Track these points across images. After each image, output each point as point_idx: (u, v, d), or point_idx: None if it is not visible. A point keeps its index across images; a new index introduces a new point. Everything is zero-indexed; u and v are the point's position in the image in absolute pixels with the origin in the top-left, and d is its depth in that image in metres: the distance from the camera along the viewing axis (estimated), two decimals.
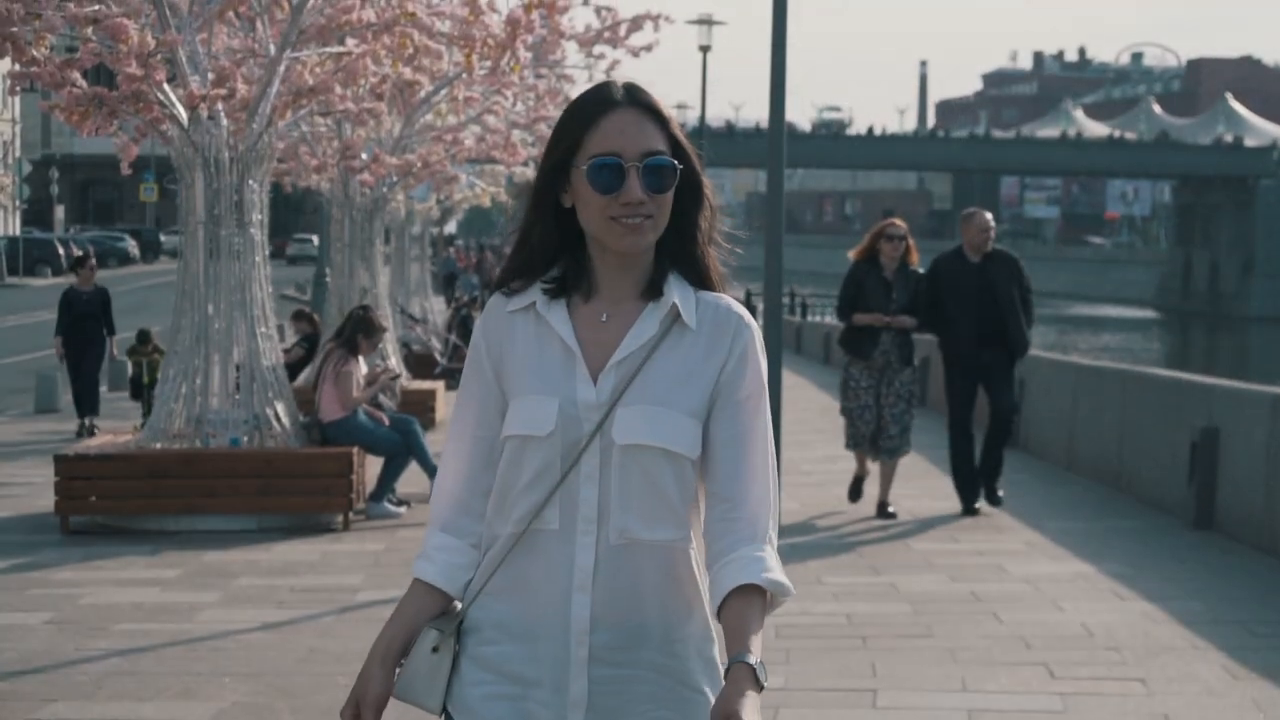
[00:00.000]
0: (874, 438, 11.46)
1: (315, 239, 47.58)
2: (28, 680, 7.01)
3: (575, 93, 9.64)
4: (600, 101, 2.70)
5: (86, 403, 16.34)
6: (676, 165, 2.69)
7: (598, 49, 17.45)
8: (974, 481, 11.60)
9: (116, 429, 13.48)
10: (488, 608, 2.74)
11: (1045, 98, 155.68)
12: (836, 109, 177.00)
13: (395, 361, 17.68)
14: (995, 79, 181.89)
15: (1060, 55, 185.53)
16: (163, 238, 73.88)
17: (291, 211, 75.30)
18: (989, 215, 11.77)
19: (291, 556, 10.03)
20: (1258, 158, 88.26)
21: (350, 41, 11.51)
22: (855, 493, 11.72)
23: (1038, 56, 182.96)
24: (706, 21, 39.70)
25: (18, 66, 10.57)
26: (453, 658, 2.74)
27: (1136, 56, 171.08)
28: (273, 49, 11.29)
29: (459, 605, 2.78)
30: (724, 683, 2.54)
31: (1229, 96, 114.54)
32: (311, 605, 8.54)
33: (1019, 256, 11.96)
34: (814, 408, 19.81)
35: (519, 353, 2.73)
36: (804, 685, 6.87)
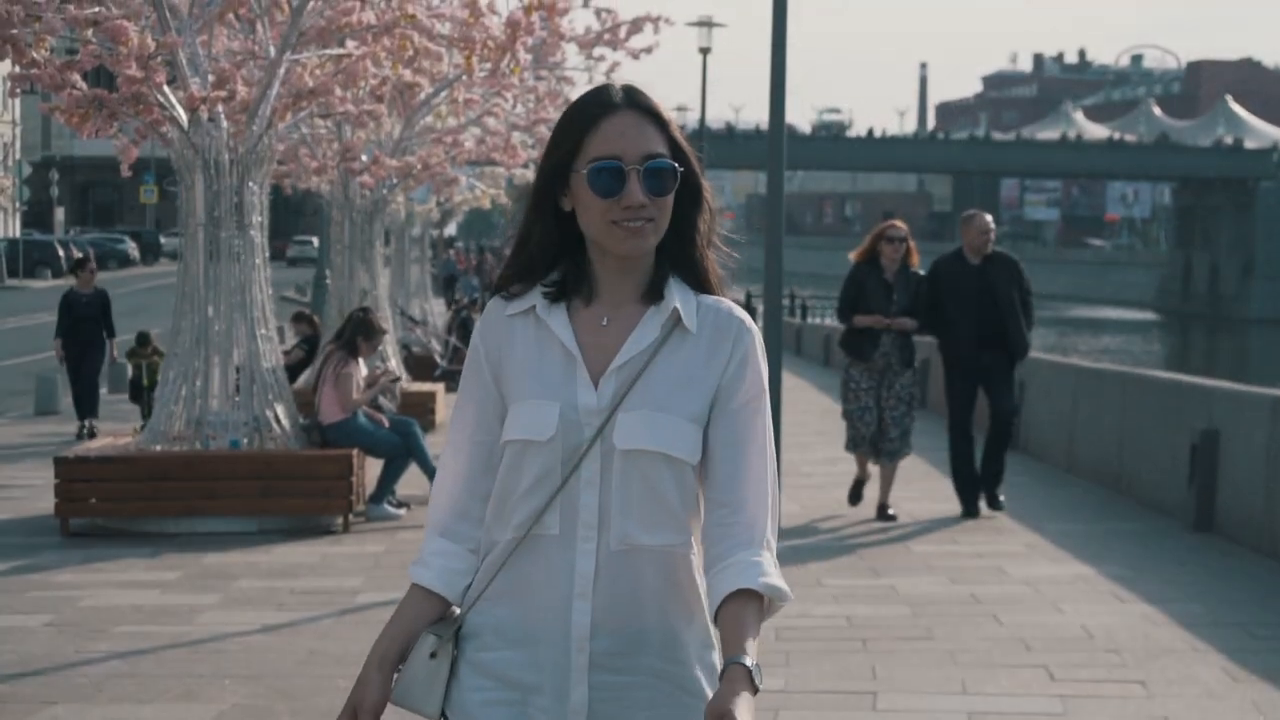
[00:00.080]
0: (874, 440, 11.46)
1: (315, 241, 47.58)
2: (28, 683, 7.01)
3: (575, 95, 9.66)
4: (600, 104, 2.68)
5: (86, 405, 16.34)
6: (677, 168, 2.68)
7: (598, 51, 17.46)
8: (974, 484, 11.59)
9: (116, 431, 13.48)
10: (487, 613, 2.72)
11: (1045, 100, 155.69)
12: (836, 111, 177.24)
13: (395, 363, 17.68)
14: (995, 81, 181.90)
15: (1060, 57, 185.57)
16: (163, 240, 73.90)
17: (291, 213, 75.29)
18: (989, 217, 11.77)
19: (291, 558, 10.03)
20: (1258, 160, 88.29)
21: (350, 44, 11.51)
22: (855, 496, 11.72)
23: (1038, 58, 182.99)
24: (706, 24, 39.71)
25: (18, 68, 10.57)
26: (451, 663, 2.73)
27: (1136, 58, 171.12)
28: (273, 51, 11.29)
29: (457, 611, 2.77)
30: (719, 683, 2.53)
31: (1229, 98, 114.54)
32: (311, 607, 8.54)
33: (1019, 258, 11.97)
34: (814, 410, 19.81)
35: (518, 357, 2.72)
36: (804, 687, 6.87)
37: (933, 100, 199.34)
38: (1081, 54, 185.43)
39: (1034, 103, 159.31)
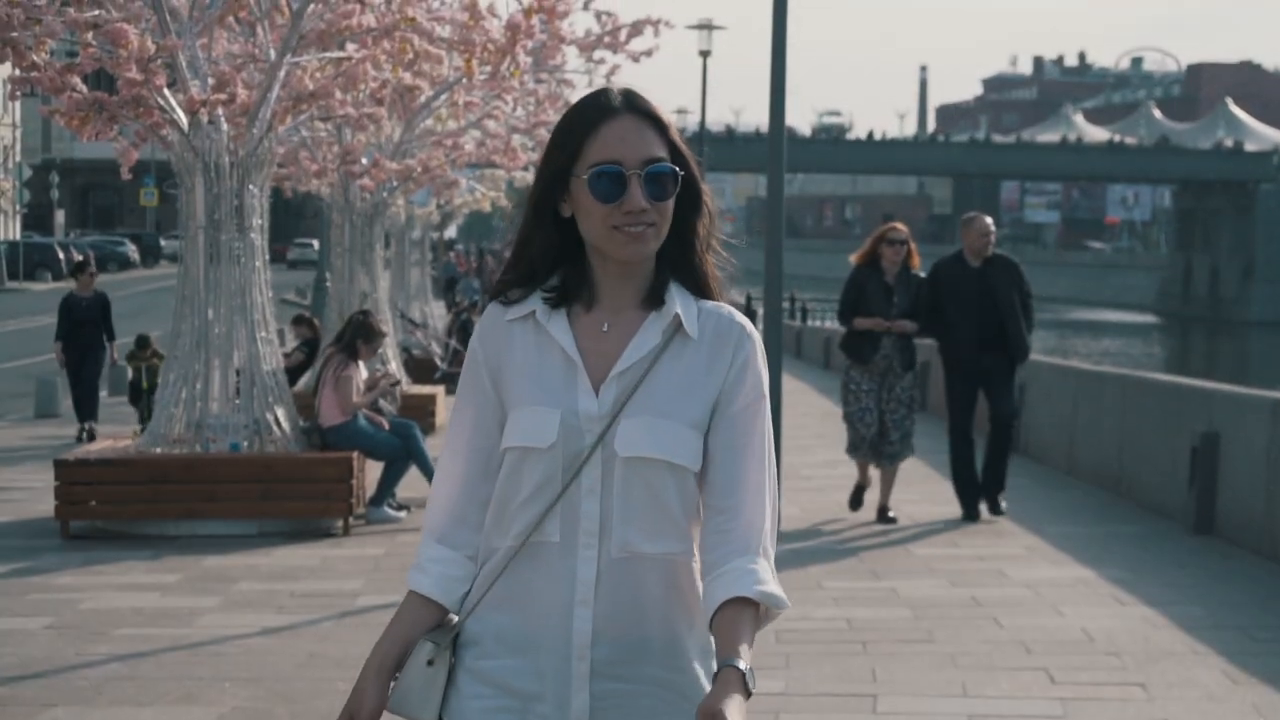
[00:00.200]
0: (874, 442, 11.45)
1: (315, 244, 47.58)
2: (28, 685, 7.01)
3: (575, 97, 9.65)
4: (599, 109, 2.67)
5: (86, 408, 16.33)
6: (678, 172, 2.66)
7: (598, 54, 17.44)
8: (974, 486, 11.58)
9: (116, 434, 13.48)
10: (486, 621, 2.71)
11: (1045, 102, 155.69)
12: (836, 114, 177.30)
13: (395, 366, 17.68)
14: (995, 84, 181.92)
15: (1060, 60, 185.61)
16: (163, 242, 73.92)
17: (292, 216, 75.31)
18: (989, 220, 11.77)
19: (291, 561, 10.03)
20: (1258, 162, 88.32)
21: (350, 47, 11.51)
22: (856, 502, 11.69)
23: (1038, 61, 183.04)
24: (707, 26, 39.74)
25: (18, 71, 10.58)
26: (448, 671, 2.71)
27: (1136, 61, 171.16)
28: (273, 54, 11.29)
29: (454, 618, 2.75)
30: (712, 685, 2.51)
31: (1229, 101, 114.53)
32: (311, 610, 8.54)
33: (1019, 261, 11.97)
34: (814, 412, 19.81)
35: (518, 362, 2.70)
36: (804, 690, 6.87)
37: (933, 103, 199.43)
38: (1081, 57, 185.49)
39: (1034, 105, 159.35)
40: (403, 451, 11.54)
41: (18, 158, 67.14)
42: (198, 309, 11.36)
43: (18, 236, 64.87)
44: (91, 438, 15.52)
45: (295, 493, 10.98)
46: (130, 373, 17.48)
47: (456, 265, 51.26)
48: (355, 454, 11.24)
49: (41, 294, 47.83)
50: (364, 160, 15.38)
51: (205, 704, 6.68)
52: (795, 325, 37.74)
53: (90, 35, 10.52)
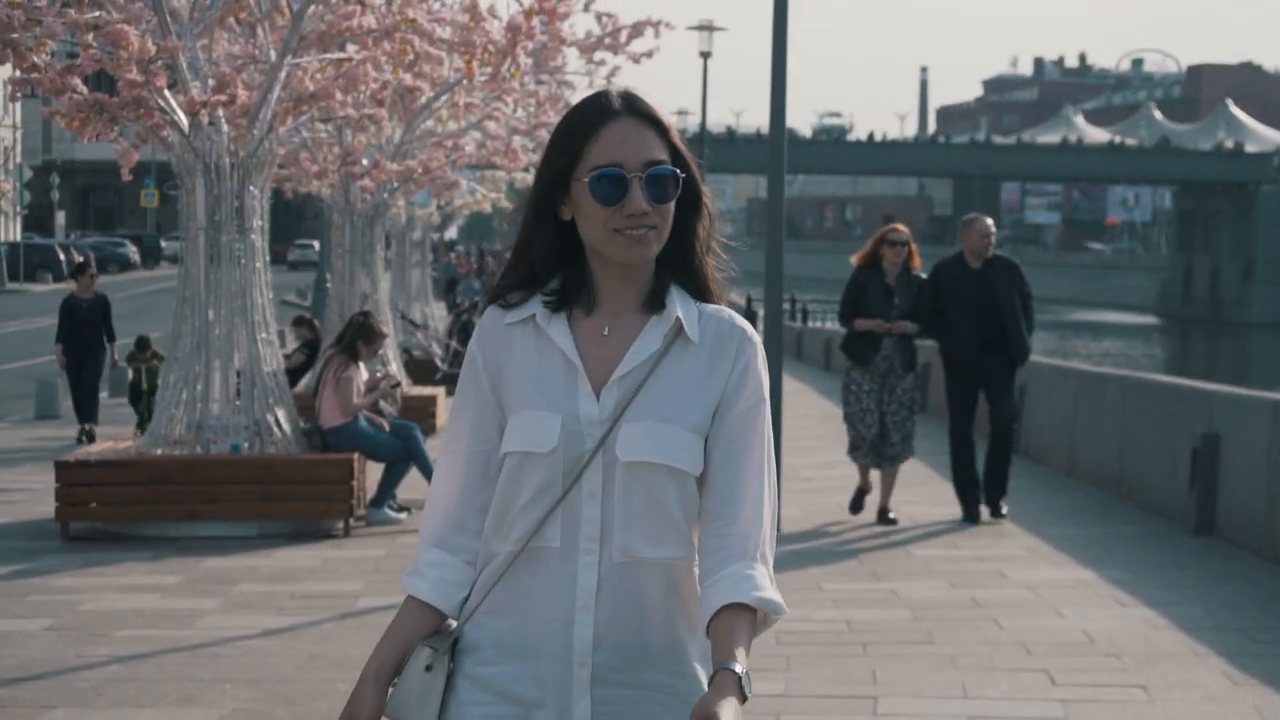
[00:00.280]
0: (875, 443, 11.44)
1: (316, 245, 47.58)
2: (28, 687, 7.01)
3: (576, 99, 9.65)
4: (599, 111, 2.65)
5: (86, 410, 16.33)
6: (679, 174, 2.65)
7: (598, 55, 17.44)
8: (975, 488, 11.58)
9: (117, 435, 13.48)
10: (486, 626, 2.69)
11: (1046, 104, 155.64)
12: (837, 115, 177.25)
13: (396, 367, 17.68)
14: (996, 85, 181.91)
15: (1061, 61, 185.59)
16: (163, 243, 73.93)
17: (292, 217, 75.29)
18: (990, 221, 11.77)
19: (292, 563, 10.03)
20: (1258, 164, 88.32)
21: (351, 48, 11.51)
22: (857, 505, 11.66)
23: (1038, 62, 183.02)
24: (707, 28, 39.76)
25: (19, 73, 10.58)
26: (447, 676, 2.69)
27: (1137, 62, 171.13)
28: (273, 55, 11.29)
29: (453, 623, 2.73)
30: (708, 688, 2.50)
31: (1230, 102, 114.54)
32: (312, 611, 8.54)
33: (1020, 262, 11.96)
34: (815, 414, 19.81)
35: (518, 366, 2.69)
36: (804, 692, 6.87)
37: (933, 104, 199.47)
38: (1082, 58, 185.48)
39: (1034, 107, 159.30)
40: (403, 453, 11.54)
41: (18, 159, 67.11)
42: (198, 310, 11.36)
43: (18, 238, 64.85)
44: (91, 440, 15.52)
45: (296, 494, 10.98)
46: (130, 374, 17.49)
47: (457, 266, 51.24)
48: (356, 455, 11.24)
49: (42, 295, 47.84)
50: (364, 161, 15.38)
51: (206, 705, 6.68)
52: (796, 326, 37.73)
53: (91, 36, 10.52)
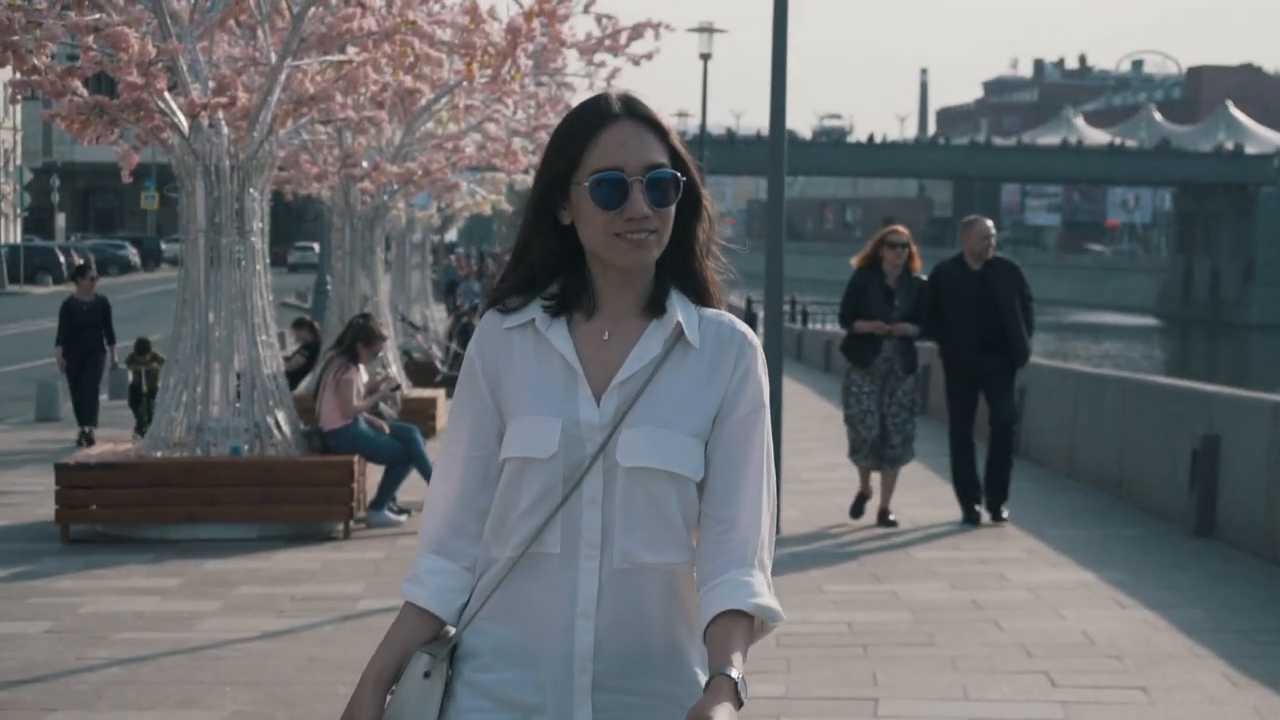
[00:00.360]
0: (876, 445, 11.43)
1: (316, 247, 47.59)
2: (28, 689, 7.01)
3: (576, 100, 9.65)
4: (598, 115, 2.64)
5: (86, 413, 16.33)
6: (679, 178, 2.63)
7: (598, 57, 17.43)
8: (975, 489, 11.58)
9: (117, 437, 13.48)
10: (485, 633, 2.67)
11: (1046, 105, 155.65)
12: (837, 116, 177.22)
13: (396, 370, 17.68)
14: (996, 86, 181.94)
15: (1061, 63, 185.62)
16: (163, 246, 73.94)
17: (293, 219, 75.31)
18: (990, 223, 11.76)
19: (292, 565, 10.03)
20: (1258, 165, 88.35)
21: (351, 50, 11.51)
22: (858, 510, 11.62)
23: (1038, 64, 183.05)
24: (707, 29, 39.78)
25: (19, 75, 10.58)
26: (445, 683, 2.67)
27: (1137, 64, 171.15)
28: (274, 57, 11.30)
29: (451, 630, 2.71)
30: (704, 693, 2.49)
31: (1230, 104, 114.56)
32: (312, 614, 8.54)
33: (1020, 264, 11.96)
34: (815, 415, 19.81)
35: (517, 371, 2.67)
36: (804, 694, 6.86)
37: (933, 106, 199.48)
38: (1082, 59, 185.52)
39: (1035, 108, 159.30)
40: (403, 455, 11.54)
41: (18, 161, 67.16)
42: (198, 312, 11.36)
43: (18, 240, 64.85)
44: (90, 443, 15.51)
45: (296, 496, 10.98)
46: (130, 376, 17.49)
47: (457, 268, 51.27)
48: (356, 457, 11.24)
49: (42, 297, 47.85)
50: (364, 163, 15.38)
51: (206, 708, 6.68)
52: (796, 328, 37.72)
53: (91, 39, 10.53)
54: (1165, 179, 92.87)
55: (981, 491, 11.58)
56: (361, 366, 11.78)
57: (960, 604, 8.79)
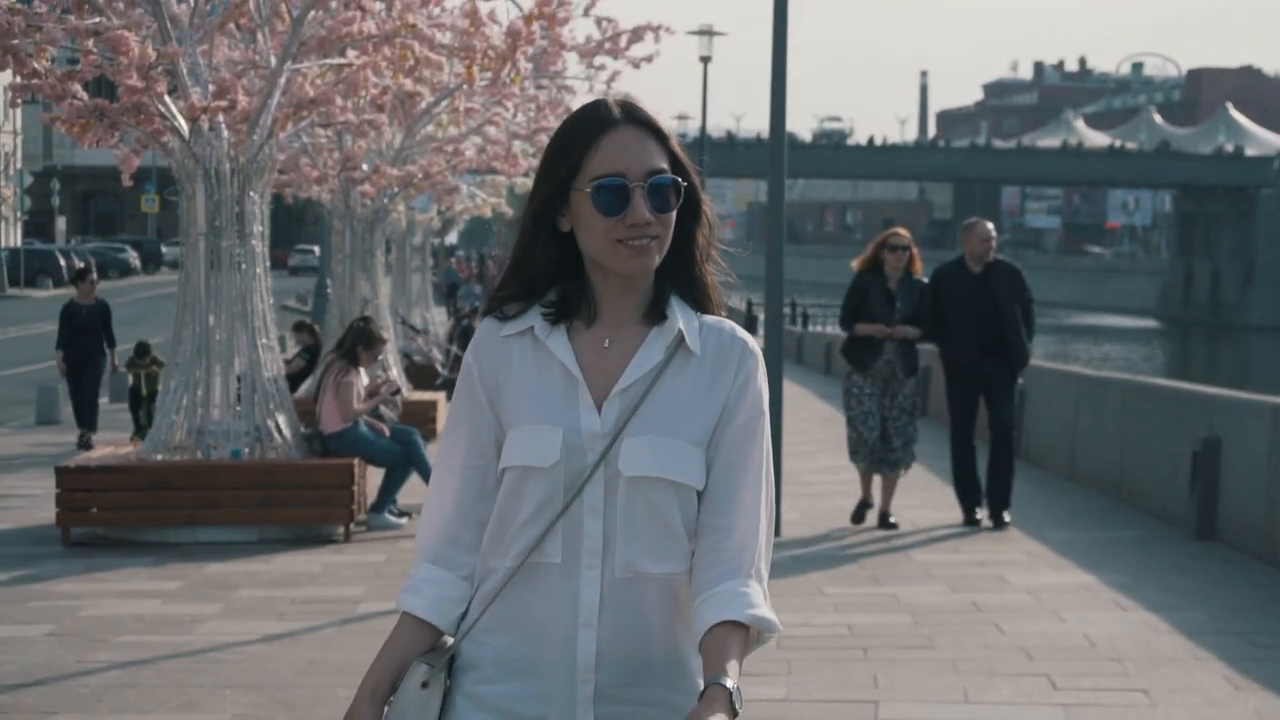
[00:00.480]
0: (876, 446, 11.41)
1: (316, 250, 47.59)
2: (29, 693, 7.01)
3: (576, 104, 9.63)
4: (598, 120, 2.61)
5: (86, 417, 16.33)
6: (680, 183, 2.61)
7: (598, 60, 17.43)
8: (975, 492, 11.57)
9: (117, 441, 13.48)
10: (484, 643, 2.65)
11: (1046, 108, 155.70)
12: (837, 119, 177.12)
13: (396, 373, 17.68)
14: (996, 89, 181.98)
15: (1061, 65, 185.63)
16: (164, 249, 73.91)
17: (293, 223, 75.21)
18: (990, 225, 11.76)
19: (292, 568, 10.03)
20: (1258, 167, 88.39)
21: (351, 53, 11.52)
22: (859, 517, 11.59)
23: (1038, 66, 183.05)
24: (707, 32, 39.79)
25: (19, 79, 10.58)
26: (443, 694, 2.65)
27: (1137, 66, 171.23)
28: (273, 61, 11.30)
29: (449, 640, 2.69)
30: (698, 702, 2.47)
31: (1230, 106, 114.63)
32: (312, 617, 8.54)
33: (1020, 266, 11.96)
34: (815, 418, 19.81)
35: (516, 379, 2.65)
36: (805, 697, 6.86)
37: (933, 108, 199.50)
38: (1082, 62, 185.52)
39: (1035, 111, 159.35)
40: (404, 458, 11.54)
41: (19, 164, 67.18)
42: (199, 315, 11.36)
43: (19, 243, 64.85)
44: (89, 446, 15.51)
45: (296, 499, 10.98)
46: (130, 380, 17.49)
47: (458, 271, 51.29)
48: (356, 460, 11.24)
49: (42, 301, 47.87)
50: (365, 166, 15.39)
51: (206, 711, 6.68)
52: (796, 331, 37.77)
53: (91, 42, 10.52)
54: (1165, 181, 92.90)
55: (982, 494, 11.57)
56: (362, 369, 11.78)
57: (961, 606, 8.79)
